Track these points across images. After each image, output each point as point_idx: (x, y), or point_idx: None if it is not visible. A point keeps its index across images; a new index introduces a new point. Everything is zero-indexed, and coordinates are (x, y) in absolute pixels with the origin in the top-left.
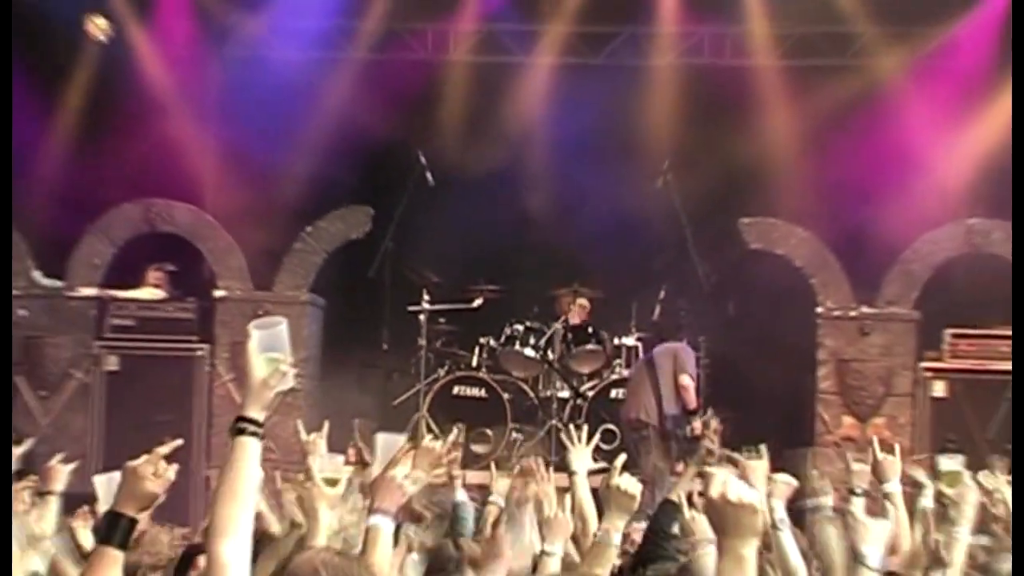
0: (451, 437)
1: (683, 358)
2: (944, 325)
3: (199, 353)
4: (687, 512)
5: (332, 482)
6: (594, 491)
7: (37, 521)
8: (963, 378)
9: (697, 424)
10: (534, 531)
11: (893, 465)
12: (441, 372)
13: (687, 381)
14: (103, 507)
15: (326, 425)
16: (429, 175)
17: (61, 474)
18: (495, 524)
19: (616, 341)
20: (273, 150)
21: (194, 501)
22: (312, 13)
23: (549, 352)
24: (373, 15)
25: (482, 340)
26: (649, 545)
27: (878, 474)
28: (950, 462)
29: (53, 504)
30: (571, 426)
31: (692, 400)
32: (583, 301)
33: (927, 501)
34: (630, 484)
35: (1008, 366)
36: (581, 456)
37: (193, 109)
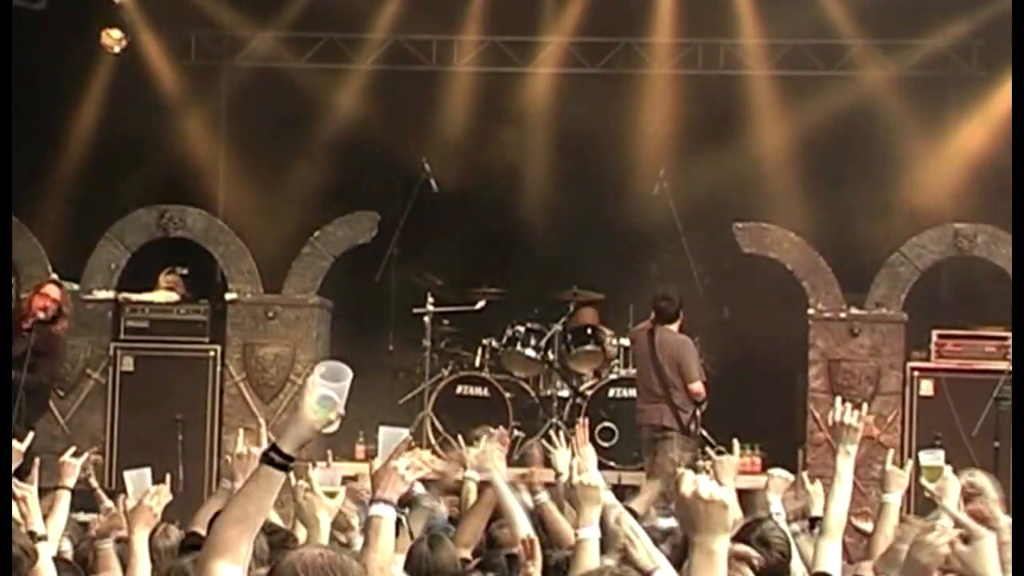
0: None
1: (687, 364)
2: (931, 326)
3: (211, 354)
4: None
5: (331, 495)
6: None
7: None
8: (949, 377)
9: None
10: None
11: (899, 478)
12: (445, 372)
13: (698, 387)
14: (132, 502)
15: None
16: (433, 182)
17: (74, 469)
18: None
19: (614, 342)
20: (282, 158)
21: (207, 498)
22: (320, 25)
23: (549, 352)
24: (379, 27)
25: (484, 341)
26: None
27: (883, 484)
28: (930, 457)
29: (64, 499)
30: (557, 430)
31: (702, 395)
32: (589, 309)
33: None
34: (590, 478)
35: (993, 365)
36: (566, 458)
37: (205, 118)
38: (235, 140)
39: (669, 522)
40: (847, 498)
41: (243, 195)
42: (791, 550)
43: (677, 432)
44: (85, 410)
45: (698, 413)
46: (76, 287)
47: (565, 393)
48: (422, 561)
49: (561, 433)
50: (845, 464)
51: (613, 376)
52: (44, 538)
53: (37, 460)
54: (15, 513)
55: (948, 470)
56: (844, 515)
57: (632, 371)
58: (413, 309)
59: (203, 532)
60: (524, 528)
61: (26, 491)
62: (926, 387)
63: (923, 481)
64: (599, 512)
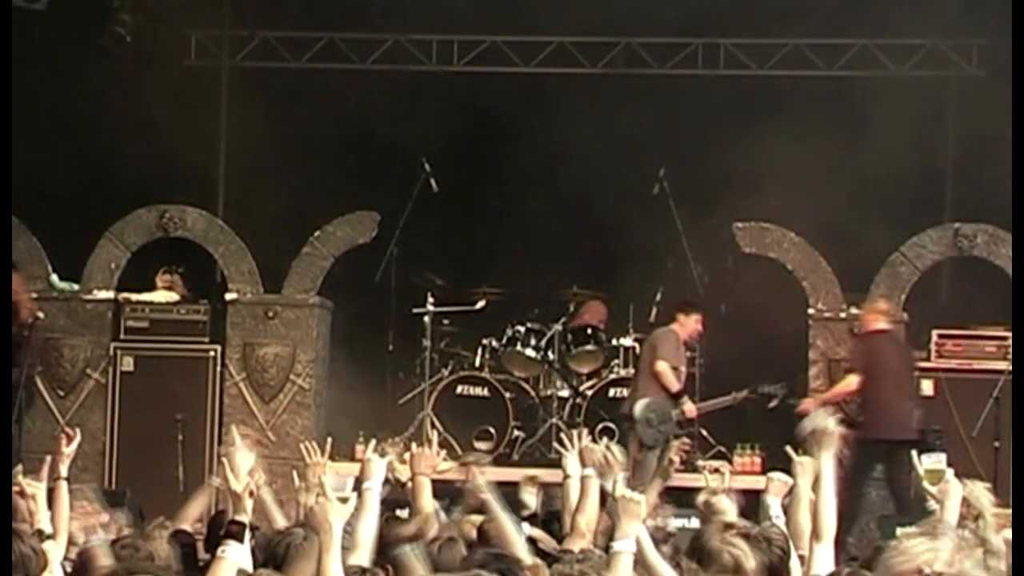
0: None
1: (658, 344)
2: (931, 326)
3: (211, 354)
4: None
5: (343, 500)
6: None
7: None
8: (949, 377)
9: (689, 407)
10: None
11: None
12: (445, 372)
13: (660, 367)
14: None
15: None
16: (433, 182)
17: (67, 458)
18: None
19: (614, 342)
20: (282, 157)
21: None
22: (320, 24)
23: (549, 352)
24: (379, 27)
25: (484, 341)
26: None
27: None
28: (932, 460)
29: (64, 489)
30: (572, 430)
31: (671, 384)
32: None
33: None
34: (633, 492)
35: (992, 365)
36: (577, 460)
37: (205, 118)
38: (235, 140)
39: (679, 523)
40: (834, 502)
41: (243, 195)
42: (791, 548)
43: (633, 419)
44: (85, 410)
45: (684, 409)
46: (76, 287)
47: (565, 393)
48: (431, 558)
49: (575, 433)
50: (828, 468)
51: (613, 376)
52: (52, 536)
53: (49, 458)
54: (23, 512)
55: (950, 473)
56: (833, 519)
57: (632, 371)
58: (413, 309)
59: (189, 529)
60: (521, 547)
61: (36, 489)
62: (926, 387)
63: (924, 484)
64: (637, 528)
